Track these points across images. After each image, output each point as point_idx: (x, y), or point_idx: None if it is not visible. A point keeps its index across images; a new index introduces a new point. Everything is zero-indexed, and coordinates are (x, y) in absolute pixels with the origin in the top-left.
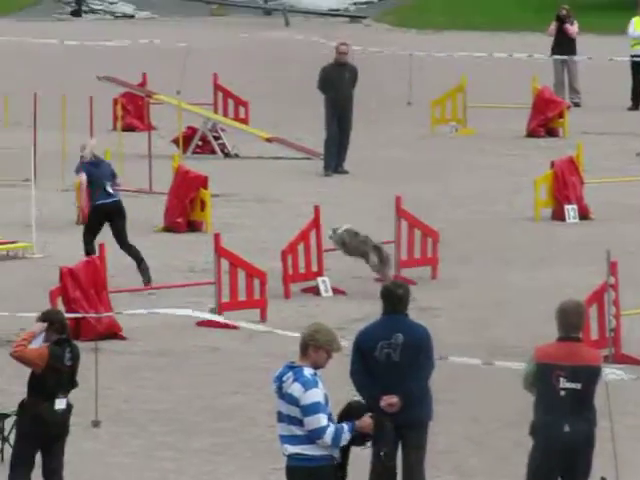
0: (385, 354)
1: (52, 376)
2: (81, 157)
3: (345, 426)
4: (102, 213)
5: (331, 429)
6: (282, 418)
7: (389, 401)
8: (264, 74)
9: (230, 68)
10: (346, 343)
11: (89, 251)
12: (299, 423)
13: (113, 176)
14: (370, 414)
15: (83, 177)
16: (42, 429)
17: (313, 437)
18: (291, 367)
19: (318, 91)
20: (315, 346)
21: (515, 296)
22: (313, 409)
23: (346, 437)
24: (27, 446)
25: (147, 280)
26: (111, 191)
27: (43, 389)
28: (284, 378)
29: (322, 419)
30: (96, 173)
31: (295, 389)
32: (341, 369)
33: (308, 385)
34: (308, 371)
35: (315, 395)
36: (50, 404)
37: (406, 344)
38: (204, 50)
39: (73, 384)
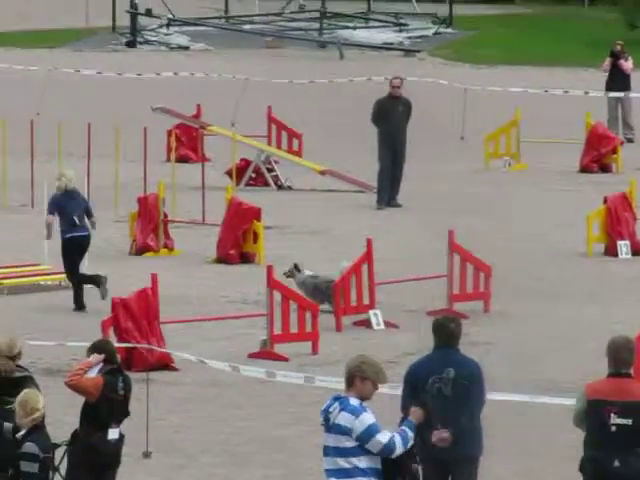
0: (436, 388)
1: (106, 406)
2: (56, 188)
3: (404, 427)
4: (75, 244)
5: (397, 438)
6: (328, 452)
7: (440, 436)
8: (318, 106)
9: (284, 100)
10: (398, 377)
11: (80, 280)
12: (347, 454)
13: (88, 213)
14: (414, 407)
15: (50, 218)
16: (95, 459)
17: (386, 454)
18: (337, 398)
19: (372, 124)
20: (362, 377)
21: (567, 331)
22: (371, 432)
23: (411, 435)
24: (80, 476)
25: (105, 294)
26: (79, 224)
27: (97, 419)
28: (330, 409)
29: (383, 436)
30: (68, 205)
31: (343, 418)
32: (389, 403)
33: (357, 412)
34: (354, 401)
35: (367, 418)
36: (103, 434)
37: (457, 379)
38: (259, 82)
39: (125, 413)
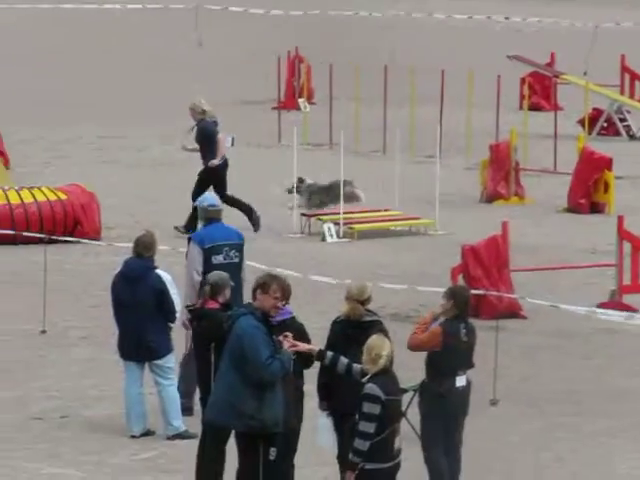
0: None
1: (449, 353)
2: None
3: None
4: (225, 168)
5: None
6: None
7: None
8: None
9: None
10: None
11: (230, 201)
12: None
13: None
14: None
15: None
16: (444, 408)
17: None
18: None
19: None
20: None
21: None
22: None
23: None
24: (432, 426)
25: (257, 229)
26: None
27: (442, 367)
28: None
29: None
30: (218, 132)
31: None
32: None
33: None
34: None
35: None
36: (451, 382)
37: None
38: (613, 31)
39: (470, 361)
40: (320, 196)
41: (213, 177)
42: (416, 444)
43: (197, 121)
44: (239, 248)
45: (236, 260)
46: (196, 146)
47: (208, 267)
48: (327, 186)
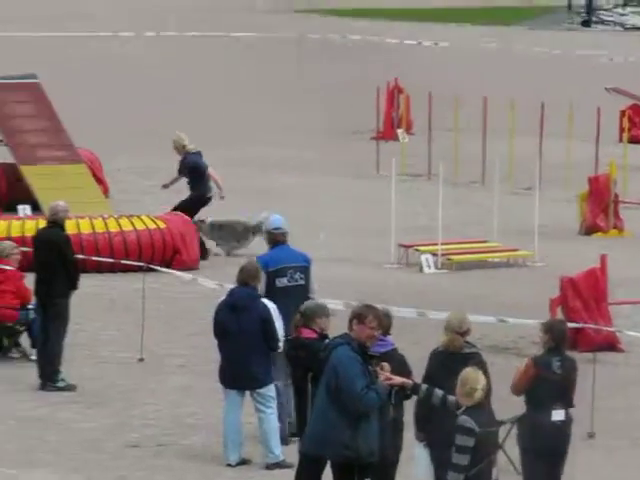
0: None
1: (541, 385)
2: (185, 149)
3: None
4: (205, 203)
5: None
6: None
7: None
8: None
9: None
10: None
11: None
12: None
13: None
14: None
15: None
16: (540, 441)
17: None
18: None
19: None
20: None
21: None
22: None
23: None
24: (531, 460)
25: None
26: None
27: (535, 399)
28: None
29: None
30: (203, 165)
31: None
32: None
33: None
34: None
35: None
36: (546, 415)
37: None
38: None
39: (568, 399)
40: (219, 233)
41: (197, 205)
42: (514, 475)
43: (182, 156)
44: (304, 270)
45: (301, 282)
46: (176, 178)
47: (272, 290)
48: (225, 225)
